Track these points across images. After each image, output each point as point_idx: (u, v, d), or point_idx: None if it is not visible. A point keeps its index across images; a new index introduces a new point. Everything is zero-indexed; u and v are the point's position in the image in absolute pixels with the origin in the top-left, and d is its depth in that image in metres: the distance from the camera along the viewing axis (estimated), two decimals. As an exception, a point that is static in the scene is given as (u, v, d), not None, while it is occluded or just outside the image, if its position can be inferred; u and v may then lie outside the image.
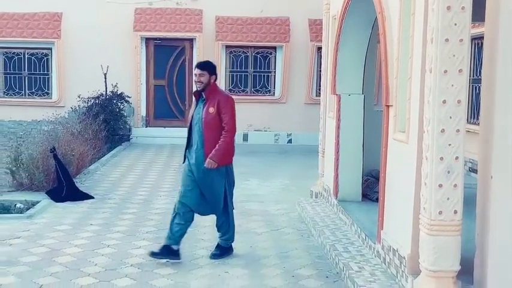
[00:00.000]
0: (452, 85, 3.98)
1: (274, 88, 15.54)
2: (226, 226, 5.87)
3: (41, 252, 5.89)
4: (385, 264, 5.20)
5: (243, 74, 15.51)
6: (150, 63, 15.36)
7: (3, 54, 15.29)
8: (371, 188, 7.36)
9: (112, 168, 11.07)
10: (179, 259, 5.61)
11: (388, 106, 5.20)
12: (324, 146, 8.23)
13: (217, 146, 5.57)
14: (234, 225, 5.96)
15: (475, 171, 8.37)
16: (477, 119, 10.01)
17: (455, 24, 3.94)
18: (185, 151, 5.81)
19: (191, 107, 5.88)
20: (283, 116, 15.33)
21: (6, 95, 15.38)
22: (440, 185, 4.02)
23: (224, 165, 5.68)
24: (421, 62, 4.37)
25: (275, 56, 15.46)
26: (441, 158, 4.01)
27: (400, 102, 4.93)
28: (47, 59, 15.31)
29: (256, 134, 15.43)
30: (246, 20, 15.12)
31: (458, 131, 4.01)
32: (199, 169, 5.63)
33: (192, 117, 5.74)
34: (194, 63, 14.97)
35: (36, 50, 15.28)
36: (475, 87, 10.43)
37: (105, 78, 14.22)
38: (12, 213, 7.44)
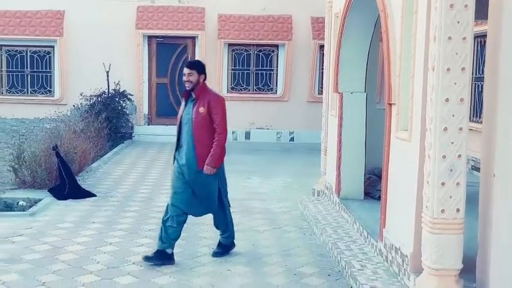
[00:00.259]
0: (455, 83, 3.98)
1: (277, 86, 15.54)
2: (224, 224, 5.83)
3: (44, 250, 5.90)
4: (387, 262, 5.20)
5: (245, 72, 15.50)
6: (152, 61, 15.36)
7: (6, 52, 15.31)
8: (373, 186, 7.36)
9: (114, 166, 11.08)
10: (173, 263, 5.54)
11: (390, 104, 5.20)
12: (326, 144, 8.22)
13: (212, 151, 5.49)
14: (232, 222, 5.92)
15: (477, 169, 8.37)
16: (480, 117, 9.99)
17: (458, 22, 3.93)
18: (174, 152, 5.68)
19: (180, 107, 5.75)
20: (286, 114, 15.33)
21: (9, 92, 15.40)
22: (442, 183, 4.01)
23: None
24: (424, 60, 4.36)
25: (277, 54, 15.46)
26: (444, 156, 4.01)
27: (403, 101, 4.93)
28: (50, 57, 15.33)
29: (259, 132, 15.43)
30: (249, 18, 15.11)
31: (461, 129, 4.01)
32: (191, 170, 5.52)
33: (181, 117, 5.63)
34: (196, 61, 15.15)
35: (39, 48, 15.30)
36: (478, 86, 10.41)
37: (108, 76, 14.23)
38: (14, 210, 7.45)
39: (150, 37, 15.26)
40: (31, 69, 15.36)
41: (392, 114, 5.17)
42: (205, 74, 5.64)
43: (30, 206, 7.58)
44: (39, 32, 14.97)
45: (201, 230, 6.80)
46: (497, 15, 4.06)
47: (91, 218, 7.26)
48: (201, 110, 5.49)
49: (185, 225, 6.91)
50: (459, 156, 4.02)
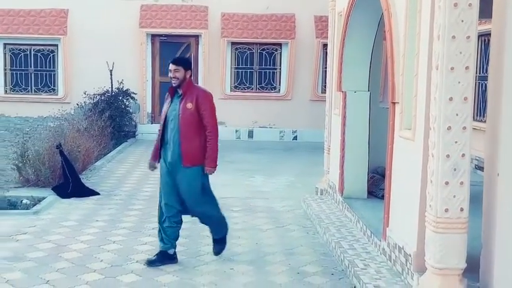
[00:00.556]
0: (459, 82, 3.97)
1: (280, 85, 15.53)
2: (213, 220, 5.68)
3: (47, 248, 5.91)
4: (391, 261, 5.20)
5: (248, 70, 15.50)
6: (155, 59, 15.37)
7: (10, 51, 15.34)
8: (376, 185, 7.35)
9: (118, 165, 11.09)
10: (176, 262, 5.54)
11: (394, 103, 5.19)
12: (329, 143, 8.22)
13: (207, 152, 5.42)
14: (221, 216, 5.75)
15: (481, 168, 8.35)
16: (483, 116, 9.97)
17: (462, 21, 3.93)
18: (160, 150, 5.56)
19: (164, 105, 5.62)
20: (289, 113, 15.33)
21: (13, 91, 15.44)
22: (446, 183, 4.01)
23: (198, 163, 5.46)
24: (428, 59, 4.35)
25: (280, 53, 15.45)
26: (447, 156, 4.00)
27: (406, 100, 4.92)
28: (53, 56, 15.35)
29: (262, 130, 15.43)
30: (252, 16, 15.11)
31: (464, 128, 4.00)
32: (177, 167, 5.42)
33: (167, 114, 5.50)
34: (200, 60, 15.20)
35: (43, 47, 15.33)
36: (482, 85, 10.39)
37: (111, 74, 14.25)
38: (18, 209, 7.47)
39: (153, 36, 15.27)
40: (35, 68, 15.38)
41: (395, 113, 5.17)
42: (191, 70, 5.55)
43: (34, 205, 7.60)
44: (43, 31, 15.00)
45: (204, 228, 6.79)
46: (502, 14, 4.05)
47: (95, 216, 7.27)
48: (189, 105, 5.39)
49: (188, 224, 6.94)
50: (463, 155, 4.01)
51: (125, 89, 14.28)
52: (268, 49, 15.47)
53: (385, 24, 5.45)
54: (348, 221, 6.79)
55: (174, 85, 5.49)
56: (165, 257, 5.51)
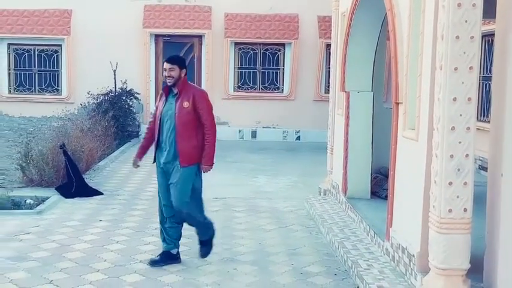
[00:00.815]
0: (463, 82, 3.96)
1: (283, 85, 15.53)
2: (199, 222, 5.54)
3: (51, 248, 5.92)
4: (394, 262, 5.19)
5: (251, 70, 15.51)
6: (159, 60, 15.38)
7: (14, 51, 15.38)
8: (380, 185, 7.35)
9: (121, 165, 11.11)
10: (179, 262, 5.54)
11: (397, 103, 5.18)
12: (332, 143, 8.21)
13: (205, 150, 5.35)
14: (207, 220, 5.62)
15: (485, 169, 8.33)
16: (487, 116, 9.96)
17: (466, 21, 3.92)
18: (155, 151, 5.48)
19: (159, 105, 5.53)
20: (292, 113, 15.33)
21: (17, 91, 15.48)
22: (450, 183, 4.00)
23: (195, 163, 5.40)
24: (431, 59, 4.35)
25: (284, 53, 15.45)
26: (451, 156, 3.99)
27: (410, 100, 4.91)
28: (57, 56, 15.39)
29: (265, 130, 15.44)
30: (255, 16, 15.11)
31: (468, 128, 3.99)
32: (172, 166, 5.36)
33: (162, 113, 5.42)
34: (203, 60, 15.21)
35: (46, 47, 15.36)
36: (485, 85, 10.37)
37: (115, 74, 14.27)
38: (22, 209, 7.49)
39: (157, 36, 15.29)
40: (39, 68, 15.42)
41: (399, 113, 5.16)
42: (186, 68, 5.48)
43: (38, 204, 7.62)
44: (47, 31, 15.04)
45: (207, 228, 6.81)
46: (505, 14, 4.05)
47: (98, 216, 7.29)
48: (186, 104, 5.31)
49: (192, 223, 6.94)
50: (467, 155, 4.00)
51: (128, 89, 14.31)
52: (271, 49, 15.47)
53: (389, 24, 5.44)
54: (351, 222, 6.78)
55: (169, 84, 5.42)
56: (168, 257, 5.51)
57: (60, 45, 15.25)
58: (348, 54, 7.12)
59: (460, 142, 3.99)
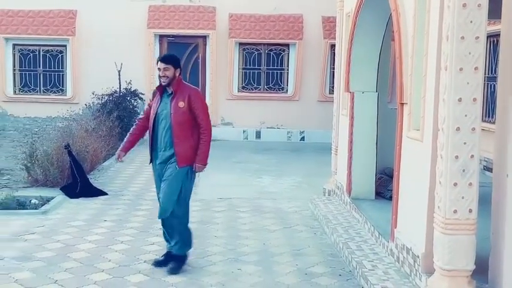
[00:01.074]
0: (468, 83, 3.95)
1: (287, 85, 15.53)
2: (181, 227, 5.36)
3: (56, 248, 5.94)
4: (399, 262, 5.18)
5: (256, 71, 15.51)
6: (163, 60, 15.37)
7: (19, 52, 15.43)
8: (384, 186, 7.34)
9: (126, 165, 11.11)
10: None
11: (402, 104, 5.17)
12: (337, 143, 8.21)
13: (200, 149, 5.28)
14: (189, 229, 5.46)
15: (490, 169, 8.31)
16: (492, 117, 9.93)
17: (471, 22, 3.91)
18: (151, 151, 5.43)
19: (153, 105, 5.44)
20: (296, 114, 15.32)
21: (22, 91, 15.52)
22: (455, 184, 3.99)
23: (191, 164, 5.32)
24: (436, 59, 4.34)
25: (288, 54, 15.44)
26: (456, 157, 3.99)
27: (415, 100, 4.90)
28: (62, 56, 15.43)
29: (269, 131, 15.43)
30: (259, 17, 15.12)
31: (473, 129, 3.98)
32: (167, 165, 5.29)
33: (156, 114, 5.34)
34: (207, 61, 15.22)
35: (51, 47, 15.41)
36: (491, 85, 10.34)
37: (119, 75, 14.29)
38: (27, 209, 7.51)
39: (161, 36, 15.31)
40: (43, 69, 15.46)
41: (404, 114, 5.15)
42: (181, 68, 5.41)
43: (43, 204, 7.64)
44: (52, 32, 15.08)
45: (211, 229, 6.82)
46: (511, 14, 4.03)
47: (103, 216, 7.30)
48: (181, 104, 5.24)
49: (195, 224, 6.95)
50: (472, 156, 3.99)
51: (133, 89, 14.33)
52: (275, 50, 15.47)
53: (394, 25, 5.43)
54: (355, 222, 6.77)
55: (164, 84, 5.33)
56: (172, 258, 5.51)
57: (65, 46, 15.29)
58: (353, 55, 7.11)
59: (465, 143, 3.98)
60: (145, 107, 5.68)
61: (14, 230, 6.53)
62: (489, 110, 10.39)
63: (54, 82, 15.50)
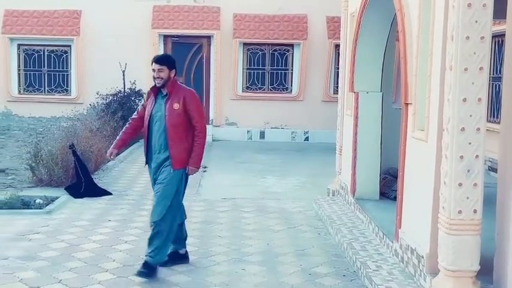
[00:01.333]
0: (473, 83, 3.94)
1: (292, 85, 15.52)
2: (164, 236, 5.18)
3: (60, 248, 5.94)
4: (403, 263, 5.17)
5: (260, 71, 15.50)
6: (168, 60, 15.39)
7: (24, 52, 15.47)
8: (389, 186, 7.32)
9: (130, 165, 11.14)
10: (188, 261, 5.54)
11: (407, 104, 5.16)
12: (341, 143, 8.20)
13: (194, 151, 5.22)
14: (171, 237, 5.27)
15: (494, 170, 8.28)
16: (497, 117, 9.90)
17: (476, 22, 3.90)
18: (146, 154, 5.37)
19: (147, 106, 5.37)
20: (301, 114, 15.31)
21: (26, 91, 15.56)
22: (460, 184, 3.98)
23: (185, 167, 5.26)
24: (441, 59, 4.33)
25: (292, 54, 15.43)
26: (461, 157, 3.97)
27: (419, 100, 4.89)
28: (66, 56, 15.46)
29: (273, 131, 15.43)
30: (264, 17, 15.11)
31: (478, 129, 3.97)
32: (161, 167, 5.23)
33: (151, 115, 5.26)
34: (212, 61, 15.22)
35: (56, 47, 15.44)
36: (495, 85, 10.31)
37: (124, 75, 14.31)
38: (32, 208, 7.52)
39: (165, 36, 15.32)
40: (48, 69, 15.50)
41: (408, 114, 5.14)
42: (175, 69, 5.29)
43: (47, 204, 7.65)
44: (56, 32, 15.11)
45: (215, 229, 6.82)
46: (516, 14, 4.02)
47: (107, 216, 7.31)
48: (176, 106, 5.17)
49: (199, 224, 6.96)
50: (477, 156, 3.98)
51: (137, 89, 14.34)
52: (280, 50, 15.46)
53: (398, 25, 5.42)
54: (359, 222, 6.76)
55: (158, 85, 5.25)
56: (176, 257, 5.52)
57: (70, 46, 15.32)
58: (357, 55, 7.10)
59: (470, 143, 3.97)
60: (139, 107, 5.60)
61: (18, 230, 6.55)
62: (494, 110, 10.36)
63: (59, 82, 15.54)
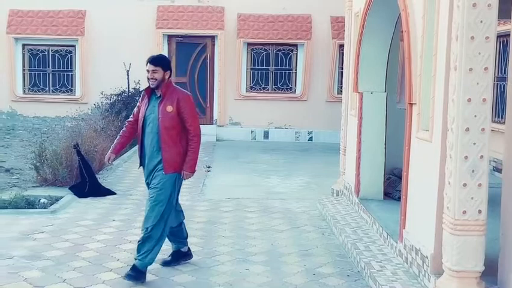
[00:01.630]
0: (478, 83, 3.93)
1: (296, 85, 15.51)
2: (151, 242, 5.05)
3: (64, 247, 5.96)
4: (407, 263, 5.16)
5: (264, 71, 15.50)
6: (172, 60, 15.40)
7: (28, 51, 15.51)
8: (393, 186, 7.31)
9: (134, 165, 11.12)
10: (191, 258, 5.56)
11: (411, 104, 5.16)
12: (345, 144, 8.19)
13: (188, 156, 5.13)
14: (161, 241, 5.14)
15: (499, 170, 8.26)
16: (502, 117, 9.87)
17: (481, 22, 3.89)
18: (140, 157, 5.31)
19: (141, 108, 5.28)
20: (304, 114, 15.31)
21: (31, 91, 15.60)
22: (464, 184, 3.97)
23: (179, 171, 5.18)
24: (446, 59, 4.32)
25: (296, 54, 15.43)
26: (466, 157, 3.97)
27: (424, 100, 4.88)
28: (71, 56, 15.49)
29: (277, 131, 15.42)
30: (268, 17, 15.11)
31: (483, 129, 3.96)
32: (154, 171, 5.16)
33: (144, 117, 5.17)
34: (216, 61, 15.24)
35: (60, 47, 15.47)
36: (500, 86, 10.28)
37: (128, 75, 14.33)
38: (36, 208, 7.54)
39: (170, 36, 15.33)
40: (53, 68, 15.53)
41: (413, 114, 5.13)
42: (170, 70, 5.19)
43: (52, 204, 7.67)
44: (61, 32, 15.15)
45: (219, 229, 6.82)
46: (521, 14, 4.01)
47: (111, 215, 7.32)
48: (169, 108, 5.07)
49: (202, 224, 6.97)
50: (481, 157, 3.97)
51: (141, 89, 14.33)
52: (284, 50, 15.45)
53: (402, 25, 5.41)
54: (363, 223, 6.76)
55: (152, 86, 5.14)
56: (179, 256, 5.54)
57: (74, 46, 15.35)
58: (361, 55, 7.09)
59: (474, 143, 3.96)
60: (135, 108, 5.50)
61: (23, 229, 6.57)
62: (499, 110, 10.33)
63: (63, 82, 15.57)
